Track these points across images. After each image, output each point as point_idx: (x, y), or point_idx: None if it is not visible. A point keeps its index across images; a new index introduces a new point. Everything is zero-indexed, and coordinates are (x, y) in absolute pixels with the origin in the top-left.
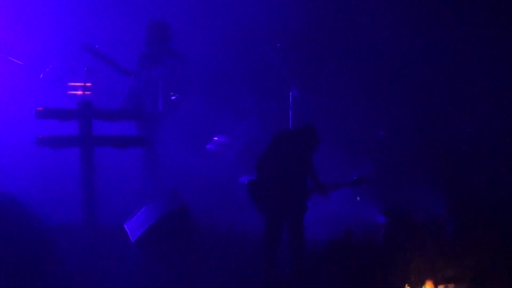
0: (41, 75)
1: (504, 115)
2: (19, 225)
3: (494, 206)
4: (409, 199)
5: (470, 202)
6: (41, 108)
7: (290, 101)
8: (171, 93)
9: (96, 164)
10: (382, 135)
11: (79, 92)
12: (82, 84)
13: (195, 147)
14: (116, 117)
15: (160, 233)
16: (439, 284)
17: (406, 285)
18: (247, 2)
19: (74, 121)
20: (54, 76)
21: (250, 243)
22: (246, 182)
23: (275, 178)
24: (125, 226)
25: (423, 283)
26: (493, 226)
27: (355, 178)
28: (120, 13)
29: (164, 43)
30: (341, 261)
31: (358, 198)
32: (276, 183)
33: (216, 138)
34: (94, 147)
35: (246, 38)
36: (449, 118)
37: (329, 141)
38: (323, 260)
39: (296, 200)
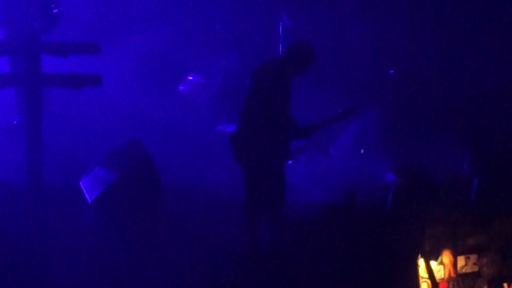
0: None
1: None
2: None
3: None
4: (423, 152)
5: (497, 155)
6: None
7: (280, 31)
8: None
9: (44, 108)
10: (392, 74)
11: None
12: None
13: (162, 88)
14: (68, 51)
15: (121, 191)
16: (459, 254)
17: (420, 256)
18: None
19: (18, 56)
20: None
21: (227, 205)
22: (224, 131)
23: (258, 128)
24: (80, 184)
25: (439, 254)
26: None
27: (340, 111)
28: None
29: None
30: (342, 228)
31: (362, 151)
32: (260, 134)
33: (189, 78)
34: (42, 87)
35: None
36: (475, 55)
37: (325, 82)
38: (321, 227)
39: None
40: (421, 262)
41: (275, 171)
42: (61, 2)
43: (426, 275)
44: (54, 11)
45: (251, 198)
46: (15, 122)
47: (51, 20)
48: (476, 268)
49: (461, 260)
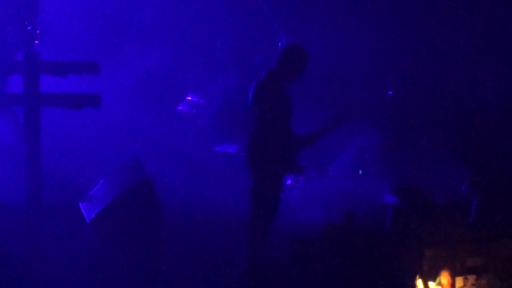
0: None
1: None
2: None
3: None
4: (422, 173)
5: (496, 177)
6: None
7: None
8: None
9: (44, 128)
10: (391, 95)
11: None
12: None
13: (162, 108)
14: (68, 71)
15: (120, 212)
16: (457, 275)
17: (418, 277)
18: None
19: (17, 76)
20: None
21: (227, 225)
22: (224, 151)
23: (260, 140)
24: (79, 204)
25: (437, 275)
26: None
27: (332, 119)
28: None
29: None
30: (341, 249)
31: (360, 172)
32: (262, 146)
33: (188, 98)
34: (42, 107)
35: None
36: (474, 76)
37: (324, 103)
38: (320, 247)
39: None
40: (419, 282)
41: (272, 183)
42: (40, 19)
43: None
44: (28, 28)
45: (254, 212)
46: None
47: (26, 37)
48: None
49: (459, 281)
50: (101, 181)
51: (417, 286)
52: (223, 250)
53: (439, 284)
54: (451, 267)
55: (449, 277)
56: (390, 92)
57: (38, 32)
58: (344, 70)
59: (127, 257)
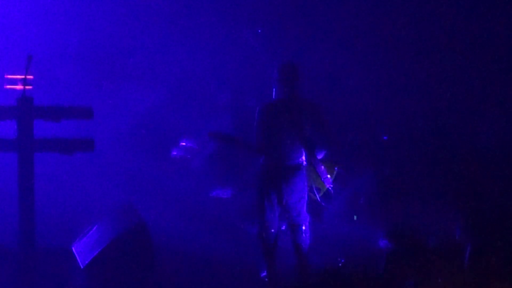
0: None
1: None
2: None
3: None
4: (416, 218)
5: (490, 221)
6: None
7: (274, 96)
8: None
9: (37, 173)
10: (386, 139)
11: (19, 86)
12: (22, 76)
13: (156, 153)
14: (61, 116)
15: (114, 257)
16: None
17: None
18: None
19: (11, 121)
20: None
21: (221, 270)
22: (219, 196)
23: None
24: (72, 248)
25: None
26: None
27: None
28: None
29: None
30: None
31: (355, 217)
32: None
33: (182, 143)
34: (35, 152)
35: (223, 20)
36: (466, 121)
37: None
38: None
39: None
40: None
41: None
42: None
43: None
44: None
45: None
46: None
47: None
48: None
49: None
50: (95, 225)
51: None
52: None
53: None
54: None
55: None
56: (385, 137)
57: (31, 77)
58: (338, 113)
59: None
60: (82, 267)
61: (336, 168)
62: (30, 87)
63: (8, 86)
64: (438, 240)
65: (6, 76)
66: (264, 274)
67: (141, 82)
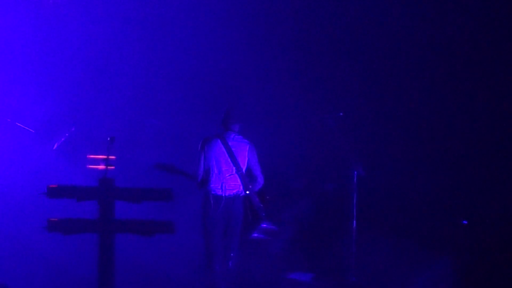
0: (55, 146)
1: None
2: None
3: None
4: None
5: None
6: (55, 185)
7: (355, 180)
8: None
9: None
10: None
11: (100, 167)
12: (104, 157)
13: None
14: (142, 198)
15: None
16: None
17: None
18: None
19: (92, 202)
20: (70, 147)
21: None
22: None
23: None
24: None
25: None
26: None
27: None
28: None
29: None
30: None
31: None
32: None
33: (263, 225)
34: (116, 234)
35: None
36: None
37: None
38: None
39: None
40: None
41: None
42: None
43: None
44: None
45: None
46: None
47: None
48: None
49: None
50: None
51: None
52: None
53: None
54: None
55: None
56: (465, 222)
57: (113, 157)
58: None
59: None
60: None
61: (267, 197)
62: (112, 167)
63: (91, 166)
64: None
65: (88, 156)
66: None
67: None
